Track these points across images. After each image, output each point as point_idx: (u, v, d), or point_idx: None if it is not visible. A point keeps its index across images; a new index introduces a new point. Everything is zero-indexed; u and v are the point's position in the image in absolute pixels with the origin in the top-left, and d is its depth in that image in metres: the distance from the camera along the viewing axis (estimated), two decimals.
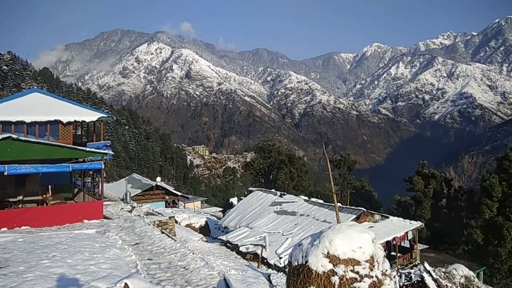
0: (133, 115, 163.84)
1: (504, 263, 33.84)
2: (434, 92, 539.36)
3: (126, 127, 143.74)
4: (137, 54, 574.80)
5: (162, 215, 21.02)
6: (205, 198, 79.16)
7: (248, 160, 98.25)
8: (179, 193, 48.90)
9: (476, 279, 26.02)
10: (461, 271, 23.99)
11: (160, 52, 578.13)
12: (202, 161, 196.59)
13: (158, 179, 45.75)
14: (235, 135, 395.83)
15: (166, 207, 42.64)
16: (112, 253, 12.77)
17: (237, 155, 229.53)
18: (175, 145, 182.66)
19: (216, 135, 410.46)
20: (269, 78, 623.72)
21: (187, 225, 29.63)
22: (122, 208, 22.37)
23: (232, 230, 26.08)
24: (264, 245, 20.95)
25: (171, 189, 48.74)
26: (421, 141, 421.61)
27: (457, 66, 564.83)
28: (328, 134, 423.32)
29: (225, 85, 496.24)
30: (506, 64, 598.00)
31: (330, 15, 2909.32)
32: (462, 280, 23.06)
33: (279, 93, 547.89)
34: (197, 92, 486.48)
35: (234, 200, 49.13)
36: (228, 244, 23.34)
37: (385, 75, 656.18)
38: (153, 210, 22.86)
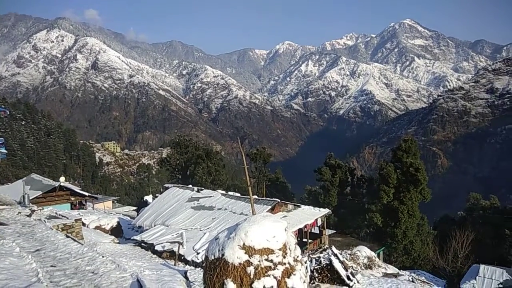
0: (30, 109, 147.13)
1: (400, 242, 38.19)
2: (339, 89, 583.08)
3: (23, 123, 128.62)
4: (35, 41, 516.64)
5: (67, 218, 19.34)
6: (117, 198, 74.84)
7: (164, 156, 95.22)
8: (86, 194, 45.51)
9: (377, 259, 29.01)
10: (364, 252, 26.51)
11: (62, 40, 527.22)
12: (113, 158, 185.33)
13: (62, 179, 41.97)
14: (150, 130, 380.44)
15: (72, 209, 39.40)
16: (8, 262, 11.38)
17: (152, 151, 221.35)
18: (81, 141, 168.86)
19: (129, 131, 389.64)
20: (184, 72, 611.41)
21: (97, 227, 27.82)
22: (20, 212, 20.04)
23: (147, 229, 25.11)
24: (181, 242, 20.58)
25: (77, 189, 45.09)
26: (329, 134, 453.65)
27: (358, 65, 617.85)
28: (245, 129, 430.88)
29: (137, 77, 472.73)
30: (400, 64, 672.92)
31: (244, 10, 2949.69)
32: (365, 261, 25.53)
33: (195, 87, 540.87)
34: (105, 85, 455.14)
35: (149, 198, 47.32)
36: (142, 244, 22.42)
37: (296, 72, 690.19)
38: (56, 213, 20.90)
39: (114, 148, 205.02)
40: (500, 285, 26.47)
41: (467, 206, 48.85)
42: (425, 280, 26.85)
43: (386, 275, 21.91)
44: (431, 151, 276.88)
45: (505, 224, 39.94)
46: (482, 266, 29.10)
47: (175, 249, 19.86)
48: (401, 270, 28.06)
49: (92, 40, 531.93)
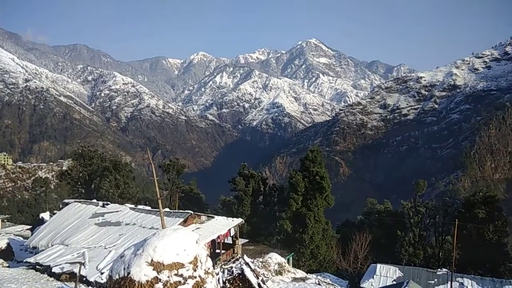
0: None
1: (307, 247, 40.32)
2: (252, 101, 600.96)
3: None
4: None
5: None
6: (7, 216, 66.03)
7: (64, 168, 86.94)
8: None
9: (287, 264, 30.17)
10: (275, 258, 27.40)
11: None
12: (3, 171, 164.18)
13: None
14: (48, 141, 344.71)
15: None
16: None
17: (51, 163, 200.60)
18: None
19: (23, 141, 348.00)
20: (90, 78, 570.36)
21: None
22: None
23: (42, 250, 22.59)
24: (83, 261, 18.92)
25: None
26: (243, 145, 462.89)
27: (270, 79, 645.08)
28: (157, 139, 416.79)
29: (35, 82, 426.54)
30: (307, 80, 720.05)
31: (158, 17, 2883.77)
32: (276, 267, 26.38)
33: (103, 95, 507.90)
34: None
35: (45, 215, 42.69)
36: (37, 266, 20.11)
37: (211, 83, 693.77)
38: None
39: (5, 160, 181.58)
40: (394, 282, 29.50)
41: (365, 210, 53.67)
42: (330, 282, 28.67)
43: (295, 279, 22.89)
44: (334, 160, 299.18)
45: (397, 226, 44.85)
46: (378, 266, 32.20)
47: (76, 270, 18.18)
48: (309, 274, 29.59)
49: None
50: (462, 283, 29.59)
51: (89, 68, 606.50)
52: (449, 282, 28.89)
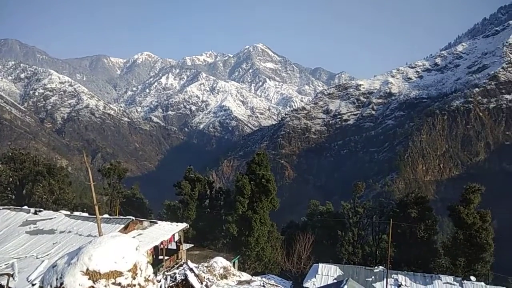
0: None
1: (253, 249, 40.65)
2: (199, 103, 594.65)
3: None
4: None
5: None
6: None
7: None
8: None
9: (232, 268, 30.13)
10: (220, 262, 27.24)
11: None
12: None
13: None
14: None
15: None
16: None
17: None
18: None
19: None
20: (22, 75, 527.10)
21: None
22: None
23: None
24: (12, 273, 17.46)
25: None
26: (189, 148, 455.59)
27: (217, 82, 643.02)
28: (97, 141, 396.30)
29: None
30: (254, 84, 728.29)
31: (99, 13, 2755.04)
32: (221, 271, 26.24)
33: (36, 94, 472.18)
34: None
35: None
36: None
37: (156, 84, 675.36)
38: None
39: None
40: (334, 280, 30.72)
41: (308, 212, 55.28)
42: (274, 283, 29.11)
43: (240, 282, 22.96)
44: (279, 163, 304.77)
45: (338, 226, 46.76)
46: (320, 265, 33.34)
47: (4, 282, 16.74)
48: (254, 276, 29.83)
49: None
50: (397, 279, 31.58)
51: (22, 65, 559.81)
52: (385, 279, 30.69)
